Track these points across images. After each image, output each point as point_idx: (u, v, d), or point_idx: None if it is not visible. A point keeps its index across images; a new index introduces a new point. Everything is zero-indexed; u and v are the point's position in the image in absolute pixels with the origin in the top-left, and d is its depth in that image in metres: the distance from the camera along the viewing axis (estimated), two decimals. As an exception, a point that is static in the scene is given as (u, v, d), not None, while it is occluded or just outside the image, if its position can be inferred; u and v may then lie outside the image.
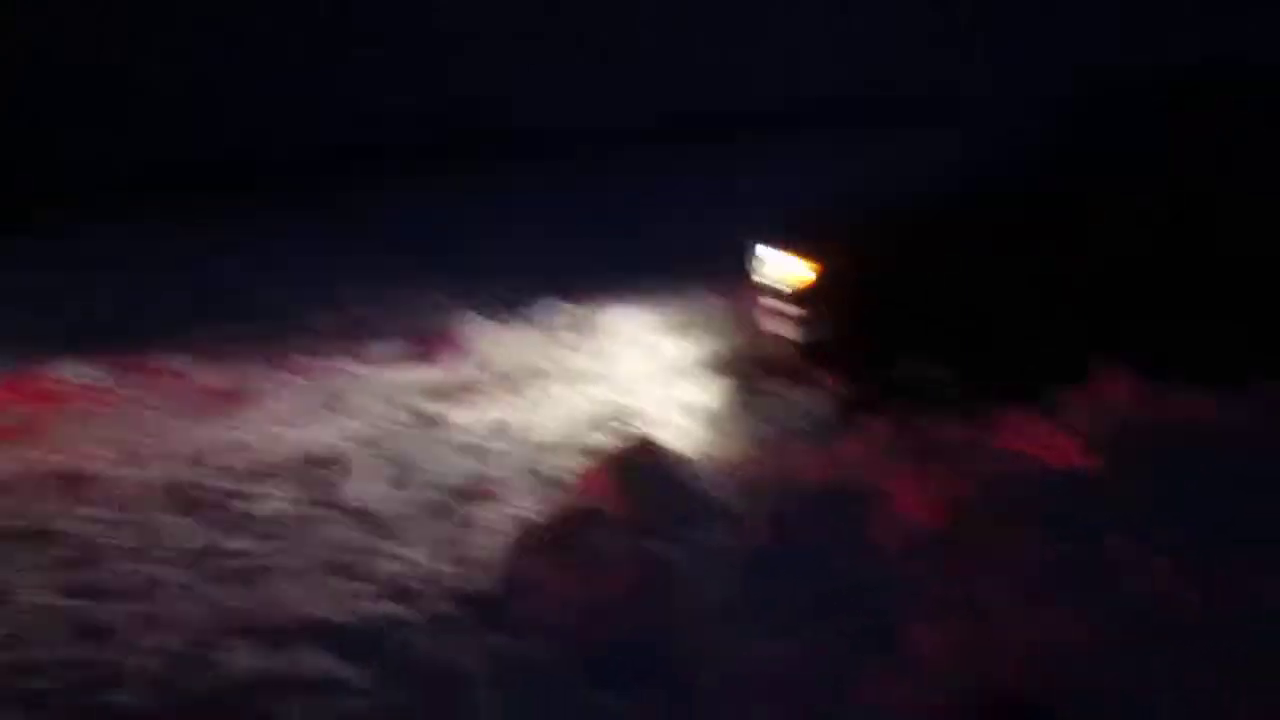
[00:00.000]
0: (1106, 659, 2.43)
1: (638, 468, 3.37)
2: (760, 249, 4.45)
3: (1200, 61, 4.66)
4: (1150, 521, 2.84)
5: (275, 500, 3.79)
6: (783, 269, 4.20)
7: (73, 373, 5.41)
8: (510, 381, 5.03)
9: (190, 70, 10.81)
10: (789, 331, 4.16)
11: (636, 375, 4.96)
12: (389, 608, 2.99)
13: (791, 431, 3.94)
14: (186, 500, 3.83)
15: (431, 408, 4.67)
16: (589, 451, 3.85)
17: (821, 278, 4.05)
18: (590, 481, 3.44)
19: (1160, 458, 3.13)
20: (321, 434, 4.46)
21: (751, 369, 4.57)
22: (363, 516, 3.62)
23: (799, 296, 4.11)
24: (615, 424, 4.23)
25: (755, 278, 4.50)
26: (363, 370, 5.44)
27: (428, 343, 5.78)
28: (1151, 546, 2.75)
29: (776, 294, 4.23)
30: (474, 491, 3.75)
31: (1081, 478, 3.11)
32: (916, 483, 3.22)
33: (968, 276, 3.99)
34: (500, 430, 4.34)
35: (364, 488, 3.84)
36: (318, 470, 4.05)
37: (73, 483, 4.03)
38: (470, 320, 5.97)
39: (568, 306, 6.27)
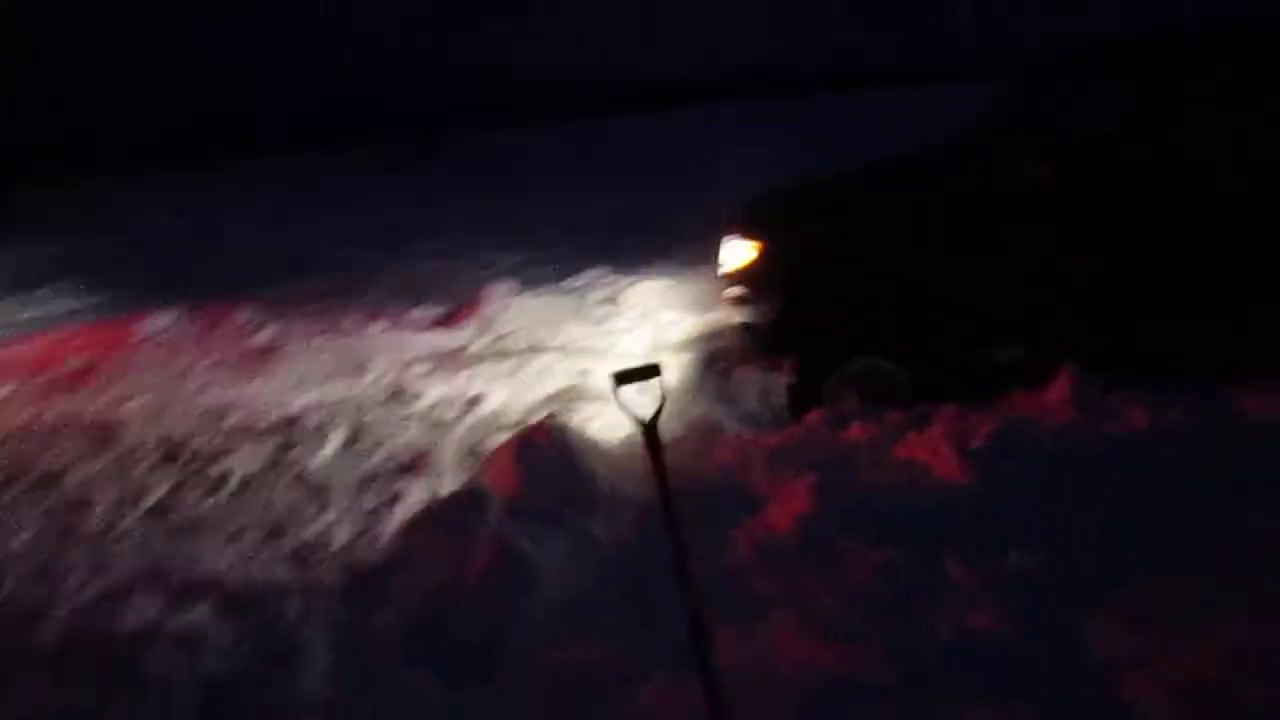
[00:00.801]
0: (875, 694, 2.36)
1: (535, 450, 3.48)
2: (726, 230, 4.38)
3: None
4: (997, 543, 2.70)
5: (243, 461, 4.15)
6: (734, 249, 4.13)
7: (145, 323, 6.05)
8: (507, 353, 5.20)
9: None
10: (738, 313, 4.10)
11: (626, 351, 5.01)
12: (282, 573, 3.26)
13: (725, 419, 3.93)
14: (175, 458, 4.25)
15: (421, 378, 4.92)
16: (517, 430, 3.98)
17: (764, 257, 3.95)
18: (495, 461, 3.57)
19: (1045, 473, 2.95)
20: (318, 397, 4.81)
21: (723, 351, 4.56)
22: (306, 484, 3.92)
23: (743, 277, 4.03)
24: (565, 402, 4.33)
25: (720, 258, 4.45)
26: (389, 334, 5.77)
27: (458, 308, 6.04)
28: (987, 573, 2.63)
29: (731, 275, 4.17)
30: (411, 466, 3.97)
31: (960, 493, 2.97)
32: (800, 488, 3.17)
33: (920, 257, 3.80)
34: (468, 404, 4.53)
35: (321, 455, 4.14)
36: (292, 434, 4.39)
37: (96, 435, 4.55)
38: (507, 288, 6.21)
39: (611, 278, 6.41)
